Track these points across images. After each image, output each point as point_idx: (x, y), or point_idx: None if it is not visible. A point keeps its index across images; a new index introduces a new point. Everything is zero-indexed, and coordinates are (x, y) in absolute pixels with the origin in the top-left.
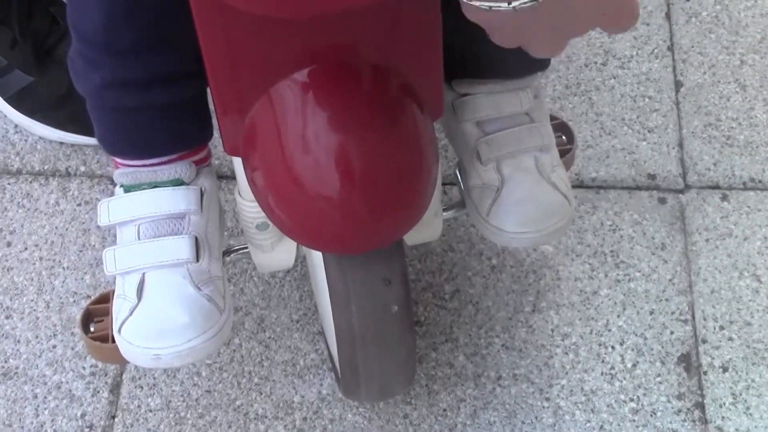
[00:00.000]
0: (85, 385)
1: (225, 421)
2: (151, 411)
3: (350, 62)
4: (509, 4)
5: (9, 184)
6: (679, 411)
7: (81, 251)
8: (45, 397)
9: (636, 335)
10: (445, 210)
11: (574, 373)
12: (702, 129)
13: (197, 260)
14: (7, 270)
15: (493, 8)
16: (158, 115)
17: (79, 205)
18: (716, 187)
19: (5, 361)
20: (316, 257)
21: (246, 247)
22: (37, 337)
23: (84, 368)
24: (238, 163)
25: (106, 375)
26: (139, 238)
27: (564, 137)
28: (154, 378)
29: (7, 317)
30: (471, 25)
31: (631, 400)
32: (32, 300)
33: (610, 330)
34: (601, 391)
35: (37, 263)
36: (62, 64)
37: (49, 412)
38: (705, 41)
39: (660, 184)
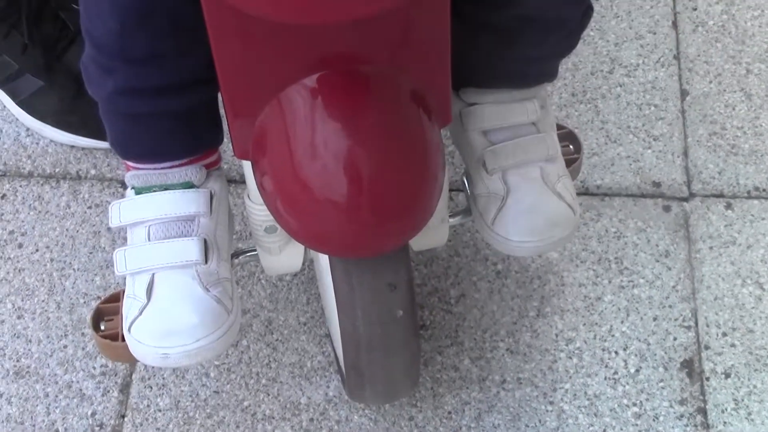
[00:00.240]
0: (95, 384)
1: (233, 422)
2: (160, 411)
3: (359, 69)
4: None
5: (21, 186)
6: (681, 416)
7: (91, 253)
8: (56, 396)
9: (639, 341)
10: (451, 216)
11: (578, 378)
12: (707, 138)
13: (206, 262)
14: (19, 271)
15: None
16: (170, 121)
17: (89, 207)
18: (720, 195)
19: (17, 361)
20: (323, 261)
21: (254, 250)
22: (48, 337)
23: (94, 368)
24: (247, 166)
25: (116, 375)
26: (149, 240)
27: (571, 146)
28: (164, 378)
29: (18, 317)
30: (479, 34)
31: (634, 404)
32: (43, 300)
33: (613, 335)
34: (605, 396)
35: (48, 264)
36: (72, 69)
37: (60, 411)
38: (711, 50)
39: (665, 192)
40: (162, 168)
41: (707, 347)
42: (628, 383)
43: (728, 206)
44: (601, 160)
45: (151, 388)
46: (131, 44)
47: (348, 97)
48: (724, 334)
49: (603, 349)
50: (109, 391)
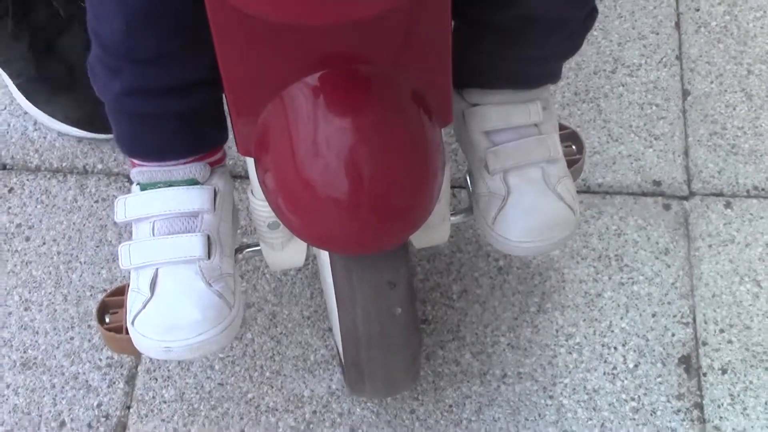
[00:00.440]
0: (101, 376)
1: (237, 413)
2: (165, 402)
3: (361, 68)
4: None
5: (28, 180)
6: (678, 411)
7: (98, 246)
8: (62, 387)
9: (638, 337)
10: (453, 214)
11: (577, 373)
12: (708, 137)
13: (209, 257)
14: (26, 264)
15: None
16: (176, 121)
17: (96, 201)
18: (720, 194)
19: (24, 352)
20: (325, 257)
21: (258, 245)
22: (55, 328)
23: (100, 360)
24: (251, 163)
25: (121, 366)
26: (153, 235)
27: (574, 147)
28: (169, 370)
29: (26, 309)
30: (481, 34)
31: (632, 399)
32: (50, 293)
33: (613, 331)
34: (603, 390)
35: (55, 257)
36: (64, 58)
37: (67, 402)
38: (713, 51)
39: (665, 190)
40: (167, 165)
41: (705, 343)
42: (626, 378)
43: (727, 205)
44: (603, 159)
45: (157, 379)
46: (138, 45)
47: (348, 96)
48: (722, 331)
49: (602, 345)
50: (114, 383)
